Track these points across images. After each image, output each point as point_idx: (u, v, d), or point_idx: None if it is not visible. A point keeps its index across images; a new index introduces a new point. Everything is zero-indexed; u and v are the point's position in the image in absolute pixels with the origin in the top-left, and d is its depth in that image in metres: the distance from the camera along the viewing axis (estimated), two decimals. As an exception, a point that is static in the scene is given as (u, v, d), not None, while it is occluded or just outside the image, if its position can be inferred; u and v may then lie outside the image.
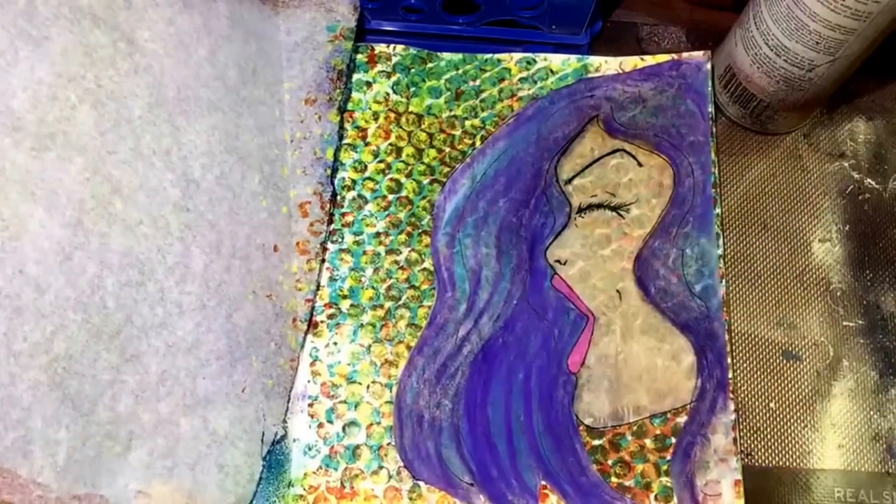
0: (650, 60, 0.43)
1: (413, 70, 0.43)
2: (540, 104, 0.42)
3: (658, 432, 0.37)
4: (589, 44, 0.44)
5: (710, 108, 0.42)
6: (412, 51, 0.43)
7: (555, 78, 0.43)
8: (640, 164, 0.41)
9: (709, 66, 0.43)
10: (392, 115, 0.42)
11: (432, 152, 0.41)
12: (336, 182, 0.40)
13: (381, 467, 0.36)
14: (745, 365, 0.39)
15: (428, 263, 0.39)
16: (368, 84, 0.42)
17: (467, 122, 0.42)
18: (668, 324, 0.38)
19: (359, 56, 0.43)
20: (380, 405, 0.37)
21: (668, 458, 0.36)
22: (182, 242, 0.33)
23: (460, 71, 0.43)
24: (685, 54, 0.43)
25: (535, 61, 0.43)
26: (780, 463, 0.38)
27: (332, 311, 0.38)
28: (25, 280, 0.27)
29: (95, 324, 0.29)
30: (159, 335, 0.32)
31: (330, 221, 0.39)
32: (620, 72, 0.43)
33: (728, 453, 0.36)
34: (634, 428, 0.37)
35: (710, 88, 0.42)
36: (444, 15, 0.43)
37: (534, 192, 0.40)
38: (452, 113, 0.42)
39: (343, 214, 0.40)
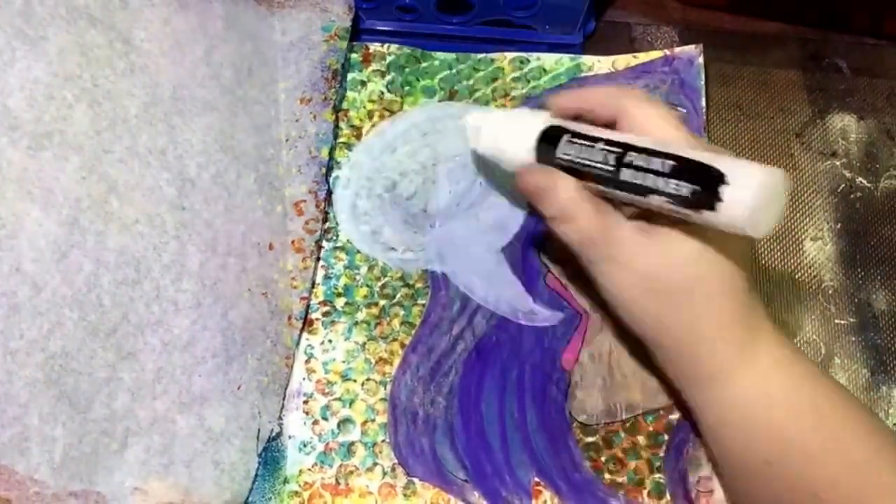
0: (643, 58, 0.44)
1: (407, 69, 0.43)
2: (533, 103, 0.42)
3: (651, 429, 0.37)
4: (582, 43, 0.45)
5: (703, 104, 0.42)
6: (406, 50, 0.43)
7: (548, 77, 0.43)
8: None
9: (701, 59, 0.43)
10: (387, 114, 0.42)
11: (426, 150, 0.42)
12: (331, 180, 0.40)
13: (375, 464, 0.36)
14: (737, 362, 0.39)
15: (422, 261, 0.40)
16: (363, 83, 0.43)
17: (460, 122, 0.42)
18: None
19: (353, 55, 0.43)
20: (374, 402, 0.37)
21: (661, 454, 0.36)
22: (178, 241, 0.33)
23: (454, 70, 0.43)
24: (677, 49, 0.43)
25: (528, 61, 0.44)
26: (772, 459, 0.38)
27: (326, 308, 0.38)
28: (22, 278, 0.27)
29: (92, 321, 0.30)
30: (155, 333, 0.32)
31: (325, 220, 0.40)
32: (613, 70, 0.43)
33: (720, 449, 0.36)
34: (627, 425, 0.37)
35: (702, 83, 0.43)
36: (438, 15, 0.43)
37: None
38: (447, 112, 0.42)
39: (338, 213, 0.40)
